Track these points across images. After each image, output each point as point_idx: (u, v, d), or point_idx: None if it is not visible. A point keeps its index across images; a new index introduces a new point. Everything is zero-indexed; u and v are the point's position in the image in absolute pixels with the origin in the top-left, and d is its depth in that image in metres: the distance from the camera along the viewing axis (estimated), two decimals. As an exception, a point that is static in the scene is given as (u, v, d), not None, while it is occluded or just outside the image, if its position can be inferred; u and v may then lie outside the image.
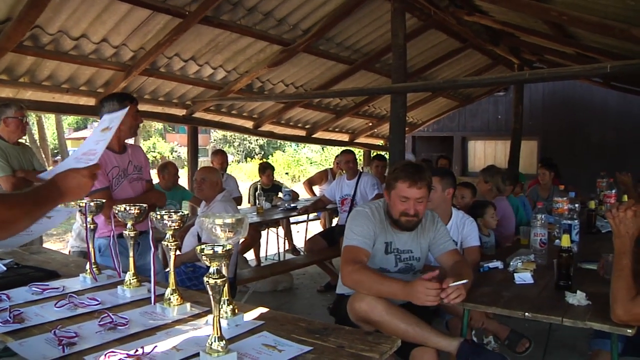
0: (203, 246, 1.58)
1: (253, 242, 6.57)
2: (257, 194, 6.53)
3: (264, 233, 7.24)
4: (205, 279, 1.53)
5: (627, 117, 10.58)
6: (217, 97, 6.61)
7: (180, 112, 6.85)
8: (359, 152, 10.73)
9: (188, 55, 5.62)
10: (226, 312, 1.86)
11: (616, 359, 2.23)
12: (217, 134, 30.57)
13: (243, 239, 5.08)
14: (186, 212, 2.08)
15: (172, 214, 2.02)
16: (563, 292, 2.40)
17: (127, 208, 2.24)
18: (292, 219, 7.34)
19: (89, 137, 1.88)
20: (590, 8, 3.86)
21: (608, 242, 2.26)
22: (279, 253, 7.34)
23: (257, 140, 29.76)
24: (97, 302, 2.06)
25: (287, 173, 24.45)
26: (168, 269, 2.07)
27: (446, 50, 7.58)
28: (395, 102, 5.07)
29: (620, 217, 2.06)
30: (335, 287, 2.99)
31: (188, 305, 2.01)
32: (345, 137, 10.16)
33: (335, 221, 7.44)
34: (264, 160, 22.08)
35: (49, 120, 25.96)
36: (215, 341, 1.53)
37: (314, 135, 9.32)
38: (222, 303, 1.82)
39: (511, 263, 2.91)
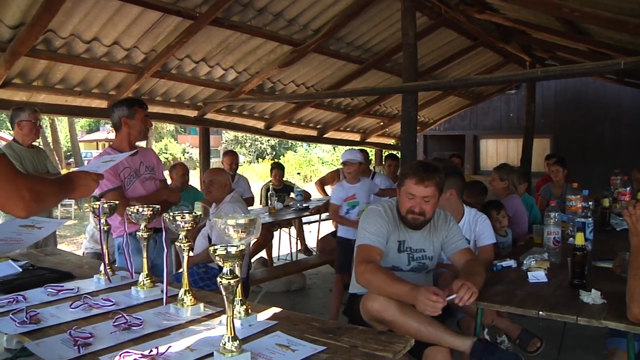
0: (216, 246, 1.58)
1: (265, 242, 6.58)
2: (269, 194, 6.54)
3: (276, 233, 7.25)
4: (218, 279, 1.54)
5: (641, 113, 10.48)
6: (229, 98, 6.62)
7: (192, 113, 6.88)
8: (370, 152, 10.69)
9: (199, 57, 5.64)
10: (239, 312, 1.86)
11: (633, 359, 2.21)
12: (228, 134, 30.68)
13: (255, 240, 5.11)
14: (199, 213, 2.09)
15: (185, 214, 2.03)
16: (577, 291, 2.38)
17: (140, 209, 2.26)
18: (304, 219, 7.34)
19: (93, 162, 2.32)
20: (603, 4, 3.82)
21: (622, 240, 2.24)
22: (291, 253, 7.35)
23: (268, 140, 29.85)
24: (111, 303, 2.08)
25: (298, 173, 24.50)
26: (180, 270, 2.08)
27: (457, 49, 7.54)
28: (406, 101, 5.06)
29: (637, 215, 2.04)
30: (348, 287, 2.99)
31: (201, 305, 2.02)
32: (356, 137, 10.15)
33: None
34: (275, 160, 22.14)
35: (62, 123, 26.23)
36: (228, 341, 1.54)
37: (325, 135, 9.31)
38: (235, 303, 1.83)
39: (524, 262, 2.89)
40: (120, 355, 1.58)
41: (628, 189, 4.53)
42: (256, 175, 22.80)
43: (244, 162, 28.58)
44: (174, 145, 32.87)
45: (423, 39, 6.33)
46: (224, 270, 1.54)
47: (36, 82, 5.07)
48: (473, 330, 2.59)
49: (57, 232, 4.78)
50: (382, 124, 9.94)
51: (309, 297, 5.82)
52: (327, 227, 8.40)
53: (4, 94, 4.95)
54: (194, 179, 7.41)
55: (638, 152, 9.83)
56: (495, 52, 8.11)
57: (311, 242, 7.77)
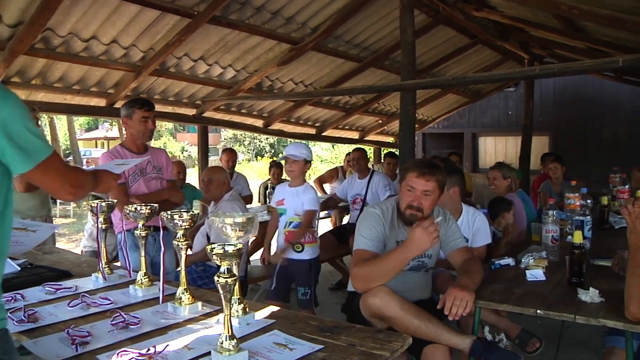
0: (214, 245, 1.58)
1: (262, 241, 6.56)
2: (267, 192, 6.53)
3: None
4: (216, 278, 1.54)
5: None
6: (227, 97, 6.62)
7: (190, 111, 6.87)
8: (369, 150, 10.70)
9: (197, 55, 5.64)
10: (237, 311, 1.86)
11: (631, 357, 2.22)
12: (227, 133, 30.67)
13: (254, 238, 5.09)
14: (197, 212, 2.09)
15: (183, 213, 2.03)
16: (575, 289, 2.38)
17: (138, 208, 2.26)
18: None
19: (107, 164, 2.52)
20: (601, 1, 3.82)
21: (621, 238, 2.24)
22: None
23: (267, 138, 29.82)
24: (109, 302, 2.08)
25: (297, 171, 24.45)
26: (179, 268, 2.09)
27: (455, 47, 7.54)
28: (404, 99, 5.05)
29: (636, 213, 2.04)
30: (347, 285, 2.99)
31: (199, 304, 2.02)
32: (355, 135, 10.15)
33: (346, 219, 7.43)
34: (274, 159, 22.11)
35: (61, 121, 26.20)
36: (226, 340, 1.54)
37: (323, 133, 9.31)
38: (233, 302, 1.83)
39: (523, 260, 2.89)
40: (117, 354, 1.59)
41: (627, 186, 4.53)
42: (255, 173, 22.80)
43: (243, 160, 28.57)
44: (172, 144, 32.84)
45: (421, 37, 6.33)
46: (222, 269, 1.54)
47: (35, 80, 5.06)
48: (471, 328, 2.59)
49: (55, 231, 4.79)
50: (380, 121, 9.94)
51: (307, 295, 5.81)
52: (326, 225, 8.42)
53: (2, 92, 4.94)
54: (193, 177, 7.39)
55: (636, 150, 9.85)
56: (494, 50, 8.12)
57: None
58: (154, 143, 29.03)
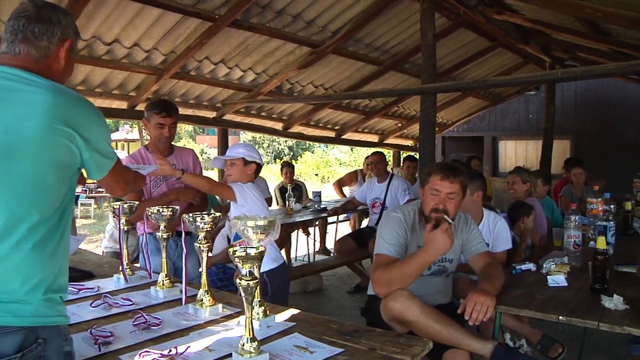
0: (235, 248, 1.59)
1: (283, 243, 6.58)
2: (286, 195, 6.54)
3: (293, 234, 7.25)
4: (237, 280, 1.55)
5: (664, 115, 10.30)
6: (247, 99, 6.65)
7: (211, 114, 6.92)
8: (388, 153, 10.67)
9: (218, 58, 5.68)
10: (258, 314, 1.87)
11: (656, 365, 2.18)
12: (246, 135, 30.79)
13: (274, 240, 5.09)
14: (218, 214, 2.10)
15: (205, 216, 2.04)
16: (599, 296, 2.35)
17: (160, 210, 2.27)
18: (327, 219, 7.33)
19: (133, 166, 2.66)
20: (627, 3, 3.76)
21: (646, 244, 2.20)
22: (308, 254, 7.35)
23: (286, 141, 29.89)
24: (130, 303, 2.10)
25: (316, 174, 24.49)
26: (200, 269, 2.10)
27: (476, 50, 7.50)
28: (424, 103, 5.03)
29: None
30: (366, 289, 2.98)
31: (220, 306, 2.03)
32: (374, 138, 10.13)
33: (365, 222, 7.42)
34: (285, 159, 22.14)
35: (83, 123, 26.50)
36: (247, 342, 1.54)
37: (343, 136, 9.30)
38: (254, 304, 1.84)
39: (544, 265, 2.86)
40: (139, 355, 1.60)
41: (651, 192, 4.46)
42: (273, 175, 22.83)
43: (261, 163, 28.62)
44: (192, 146, 33.08)
45: (442, 40, 6.29)
46: (243, 272, 1.55)
47: (58, 83, 5.13)
48: (492, 334, 2.57)
49: (77, 232, 4.84)
50: (400, 125, 9.91)
51: (325, 299, 5.82)
52: (345, 228, 8.41)
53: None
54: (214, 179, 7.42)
55: (661, 155, 9.66)
56: (515, 53, 8.05)
57: (329, 243, 7.76)
58: (173, 145, 29.22)
